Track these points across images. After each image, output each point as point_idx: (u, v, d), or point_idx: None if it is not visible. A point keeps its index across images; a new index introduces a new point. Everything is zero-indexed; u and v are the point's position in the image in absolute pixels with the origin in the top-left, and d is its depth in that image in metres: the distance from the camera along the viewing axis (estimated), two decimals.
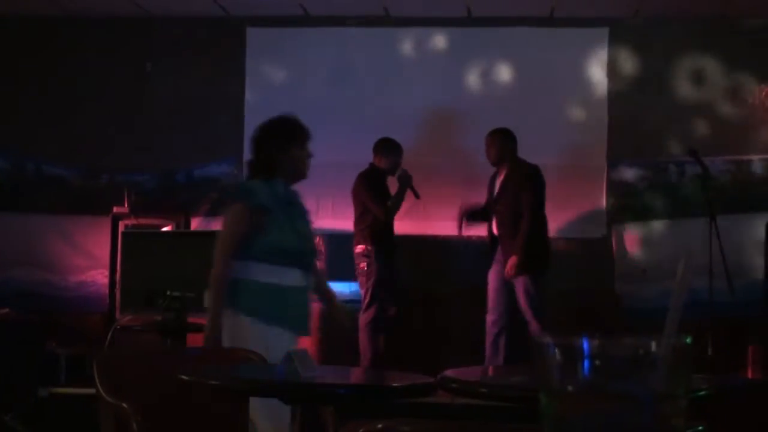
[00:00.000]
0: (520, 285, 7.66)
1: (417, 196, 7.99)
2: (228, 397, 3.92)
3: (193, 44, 9.20)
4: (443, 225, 8.25)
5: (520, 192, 7.73)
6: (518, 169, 7.84)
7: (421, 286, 8.72)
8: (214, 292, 4.36)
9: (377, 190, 8.00)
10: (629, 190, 8.77)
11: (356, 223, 8.11)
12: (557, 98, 8.85)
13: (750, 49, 8.74)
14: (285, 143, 4.55)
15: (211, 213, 8.90)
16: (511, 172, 7.85)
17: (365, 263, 8.00)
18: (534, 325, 7.61)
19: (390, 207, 7.96)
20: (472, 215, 8.02)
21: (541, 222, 7.77)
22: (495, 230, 7.91)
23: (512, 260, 7.57)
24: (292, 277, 4.40)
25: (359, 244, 8.04)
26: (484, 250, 8.17)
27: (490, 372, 5.16)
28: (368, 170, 8.04)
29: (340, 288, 8.74)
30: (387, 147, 8.09)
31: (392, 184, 8.10)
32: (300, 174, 4.65)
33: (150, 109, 9.11)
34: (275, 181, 4.51)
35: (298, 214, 4.60)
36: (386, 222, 7.96)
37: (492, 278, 7.85)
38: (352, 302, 8.68)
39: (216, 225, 8.72)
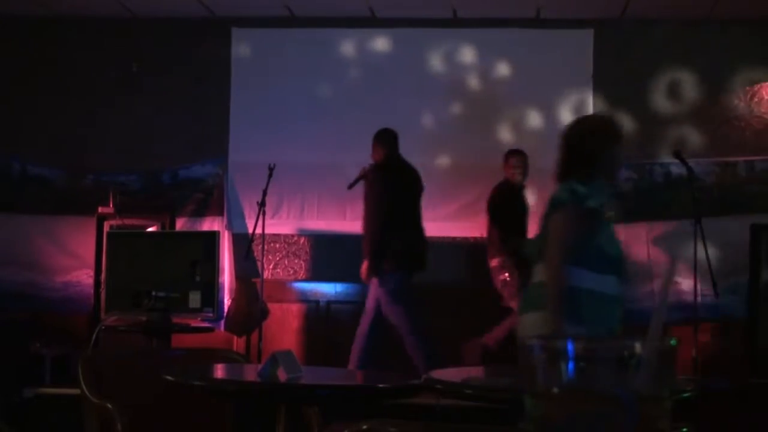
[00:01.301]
0: (375, 287, 7.44)
1: None
2: (213, 397, 3.92)
3: (178, 45, 9.18)
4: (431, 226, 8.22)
5: (370, 191, 7.52)
6: (378, 166, 7.58)
7: None
8: (555, 306, 3.98)
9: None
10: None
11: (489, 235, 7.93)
12: (542, 99, 8.85)
13: (736, 51, 8.77)
14: (606, 142, 4.25)
15: (197, 214, 8.89)
16: (370, 170, 7.61)
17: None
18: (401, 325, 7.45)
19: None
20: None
21: (401, 221, 7.45)
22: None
23: (364, 264, 7.35)
24: (612, 286, 4.11)
25: (494, 257, 7.81)
26: (470, 250, 8.16)
27: (475, 373, 5.16)
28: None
29: (326, 289, 8.74)
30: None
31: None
32: (614, 175, 4.42)
33: (135, 110, 9.08)
34: (598, 182, 4.21)
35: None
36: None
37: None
38: (338, 303, 8.69)
39: (201, 226, 8.78)
